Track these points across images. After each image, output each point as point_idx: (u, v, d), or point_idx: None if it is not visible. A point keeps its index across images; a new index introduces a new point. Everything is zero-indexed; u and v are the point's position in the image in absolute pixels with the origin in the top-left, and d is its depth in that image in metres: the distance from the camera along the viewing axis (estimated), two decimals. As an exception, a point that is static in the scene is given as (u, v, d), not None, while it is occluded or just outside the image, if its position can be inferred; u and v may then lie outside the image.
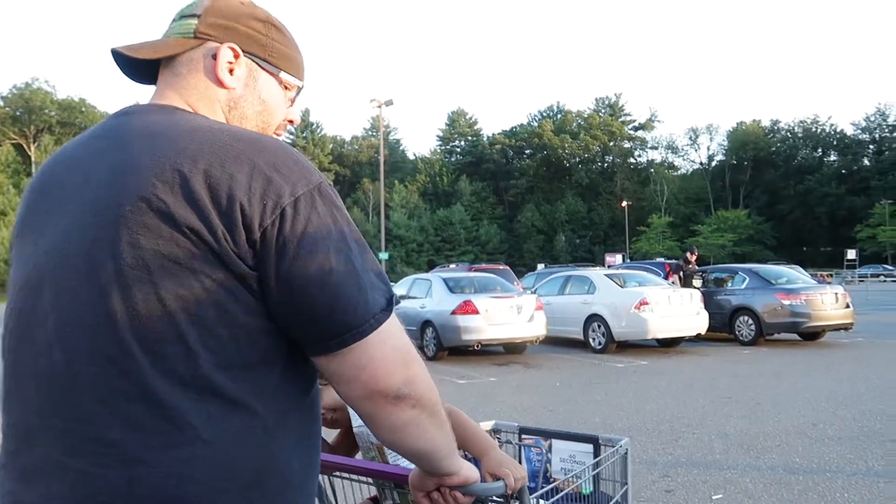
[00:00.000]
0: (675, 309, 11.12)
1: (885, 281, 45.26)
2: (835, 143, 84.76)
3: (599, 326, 11.46)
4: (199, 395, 0.86)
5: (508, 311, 10.48)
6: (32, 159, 75.32)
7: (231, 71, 1.04)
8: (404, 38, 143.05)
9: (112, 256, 0.86)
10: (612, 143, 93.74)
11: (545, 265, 35.95)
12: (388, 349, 0.91)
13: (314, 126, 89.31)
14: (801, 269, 22.96)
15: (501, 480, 1.29)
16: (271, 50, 1.07)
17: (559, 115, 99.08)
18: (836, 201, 76.96)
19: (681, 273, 13.35)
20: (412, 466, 1.21)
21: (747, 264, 15.65)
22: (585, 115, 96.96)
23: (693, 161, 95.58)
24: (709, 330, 11.81)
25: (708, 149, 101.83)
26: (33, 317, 0.91)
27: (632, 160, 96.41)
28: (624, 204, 74.83)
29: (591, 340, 11.64)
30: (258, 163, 0.89)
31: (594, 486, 1.73)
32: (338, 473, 1.48)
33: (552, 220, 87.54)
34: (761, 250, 71.01)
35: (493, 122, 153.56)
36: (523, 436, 1.84)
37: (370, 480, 1.50)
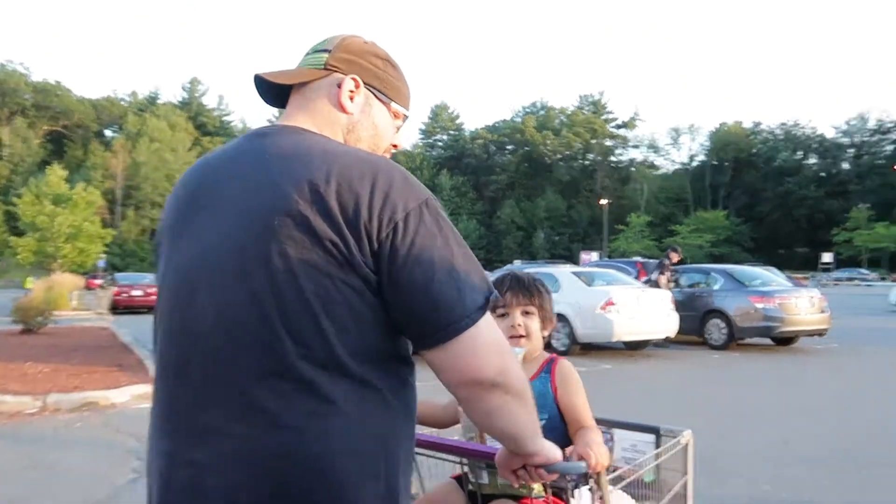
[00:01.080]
0: (644, 310, 10.43)
1: (859, 285, 45.31)
2: (815, 146, 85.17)
3: (564, 327, 10.75)
4: (336, 376, 1.01)
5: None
6: (5, 142, 73.34)
7: (352, 99, 1.19)
8: (389, 30, 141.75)
9: (263, 263, 1.01)
10: (593, 141, 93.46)
11: (521, 261, 35.60)
12: (482, 343, 1.03)
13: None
14: (776, 271, 22.56)
15: (584, 461, 1.39)
16: (386, 83, 1.23)
17: (542, 112, 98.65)
18: (815, 204, 77.34)
19: (662, 273, 12.60)
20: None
21: (721, 265, 15.10)
22: (568, 112, 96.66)
23: (674, 161, 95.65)
24: (679, 333, 11.18)
25: (689, 149, 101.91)
26: (193, 306, 1.06)
27: (613, 158, 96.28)
28: (603, 202, 74.59)
29: (553, 341, 10.93)
30: (378, 182, 1.03)
31: (656, 475, 1.78)
32: (422, 451, 1.56)
33: (532, 216, 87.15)
34: (738, 252, 71.14)
35: (476, 116, 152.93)
36: None
37: (457, 459, 1.58)
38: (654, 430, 1.80)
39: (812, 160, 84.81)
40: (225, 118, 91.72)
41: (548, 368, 1.76)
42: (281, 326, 1.00)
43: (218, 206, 1.09)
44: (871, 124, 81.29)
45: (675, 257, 12.73)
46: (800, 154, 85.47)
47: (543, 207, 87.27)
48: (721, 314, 11.42)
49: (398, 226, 1.01)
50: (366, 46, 1.24)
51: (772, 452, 5.05)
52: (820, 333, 11.47)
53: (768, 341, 11.84)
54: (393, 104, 1.25)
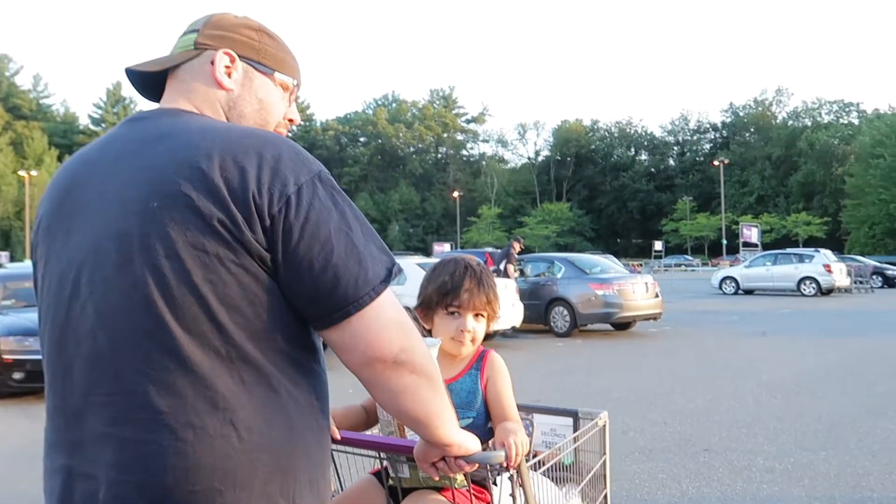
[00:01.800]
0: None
1: (686, 270, 49.41)
2: (645, 143, 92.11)
3: (410, 320, 10.32)
4: (234, 364, 0.95)
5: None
6: None
7: (229, 74, 1.13)
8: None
9: (143, 249, 0.94)
10: (445, 135, 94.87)
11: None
12: (385, 319, 0.98)
13: (126, 101, 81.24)
14: (614, 259, 23.77)
15: (504, 450, 1.37)
16: (264, 53, 1.16)
17: (394, 105, 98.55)
18: (646, 197, 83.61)
19: (510, 262, 12.50)
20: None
21: (563, 253, 15.45)
22: (420, 106, 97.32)
23: (521, 155, 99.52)
24: (526, 321, 11.15)
25: (535, 144, 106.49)
26: (73, 307, 1.00)
27: (464, 152, 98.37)
28: (455, 195, 75.86)
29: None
30: (265, 156, 0.97)
31: (575, 457, 1.82)
32: (341, 448, 1.55)
33: (386, 209, 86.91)
34: (581, 241, 75.34)
35: (327, 107, 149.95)
36: None
37: (376, 455, 1.56)
38: (571, 413, 1.82)
39: (643, 156, 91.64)
40: (44, 100, 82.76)
41: (477, 365, 1.68)
42: (168, 314, 0.93)
43: (94, 199, 1.02)
44: (692, 124, 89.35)
45: (517, 247, 12.75)
46: (632, 151, 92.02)
47: (397, 200, 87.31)
48: (564, 302, 11.55)
49: (290, 199, 0.95)
50: (236, 20, 1.17)
51: (614, 445, 4.85)
52: (654, 318, 11.94)
53: (608, 327, 12.16)
54: (277, 74, 1.17)
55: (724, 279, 22.98)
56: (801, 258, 21.52)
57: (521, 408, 1.81)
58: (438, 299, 1.66)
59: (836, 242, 59.80)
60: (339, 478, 1.72)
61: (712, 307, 17.50)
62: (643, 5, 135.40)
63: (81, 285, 0.99)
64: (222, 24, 1.15)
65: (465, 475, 1.40)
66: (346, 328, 0.97)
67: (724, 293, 22.49)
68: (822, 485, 3.98)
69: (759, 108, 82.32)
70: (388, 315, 0.98)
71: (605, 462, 1.83)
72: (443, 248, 35.94)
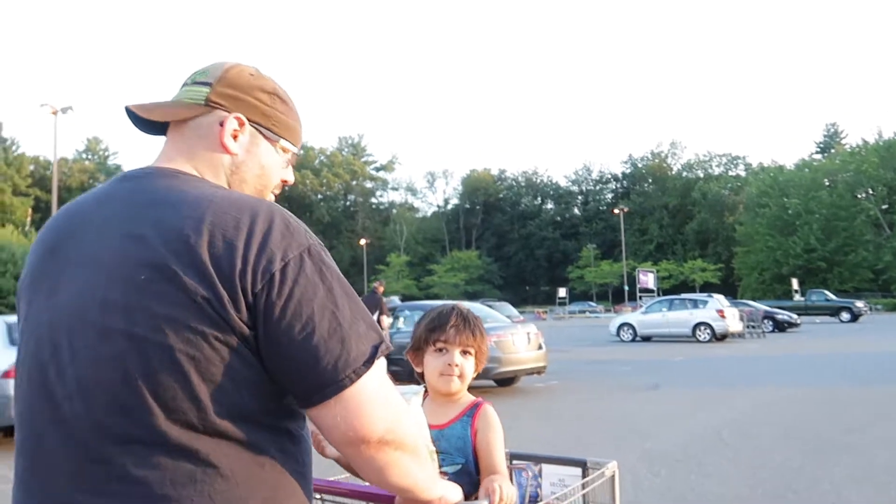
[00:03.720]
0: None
1: (589, 317, 49.61)
2: (551, 192, 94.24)
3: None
4: (213, 439, 0.93)
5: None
6: None
7: (235, 138, 1.11)
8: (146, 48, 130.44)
9: (127, 320, 0.93)
10: (354, 182, 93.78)
11: None
12: (369, 398, 0.96)
13: (8, 142, 75.60)
14: (510, 307, 22.94)
15: (486, 499, 1.43)
16: (274, 120, 1.15)
17: (301, 151, 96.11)
18: (553, 244, 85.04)
19: (383, 313, 11.21)
20: None
21: (439, 302, 14.28)
22: (328, 153, 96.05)
23: (431, 203, 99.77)
24: (400, 380, 9.74)
25: (444, 192, 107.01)
26: (50, 369, 0.97)
27: (373, 200, 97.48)
28: (362, 242, 74.41)
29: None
30: (255, 231, 0.95)
31: None
32: (329, 498, 1.56)
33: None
34: (490, 289, 75.17)
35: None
36: (514, 461, 1.91)
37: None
38: (580, 463, 1.85)
39: (549, 205, 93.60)
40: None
41: (471, 413, 1.69)
42: (146, 390, 0.91)
43: (81, 261, 1.00)
44: (595, 175, 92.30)
45: (381, 290, 11.50)
46: (539, 199, 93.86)
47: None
48: (440, 356, 10.24)
49: (274, 277, 0.94)
50: (252, 80, 1.14)
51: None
52: (538, 372, 10.76)
53: (491, 383, 10.95)
54: (282, 142, 1.16)
55: (621, 326, 22.49)
56: (695, 304, 21.30)
57: (528, 458, 1.90)
58: (426, 336, 1.71)
59: (729, 288, 62.14)
60: None
61: (607, 356, 16.74)
62: (546, 59, 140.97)
63: (62, 349, 0.96)
64: (238, 84, 1.12)
65: None
66: (327, 409, 0.94)
67: (622, 340, 21.95)
68: None
69: (656, 160, 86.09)
70: (373, 395, 0.95)
71: None
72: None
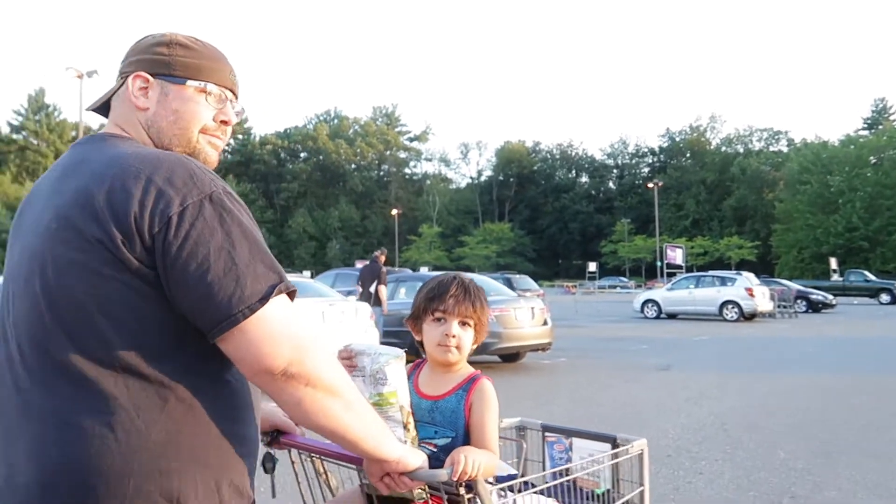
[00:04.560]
0: (335, 326, 8.42)
1: (619, 292, 48.68)
2: (586, 165, 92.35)
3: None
4: (117, 373, 1.03)
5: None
6: None
7: (146, 94, 1.23)
8: (172, 24, 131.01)
9: (41, 265, 1.07)
10: (387, 153, 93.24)
11: (311, 273, 34.28)
12: (269, 333, 1.03)
13: (50, 108, 76.92)
14: (530, 280, 22.38)
15: (450, 468, 1.34)
16: (175, 65, 1.23)
17: (336, 120, 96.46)
18: (587, 218, 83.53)
19: (381, 282, 10.72)
20: None
21: (440, 273, 13.80)
22: (362, 122, 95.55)
23: (464, 175, 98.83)
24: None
25: (478, 164, 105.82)
26: (7, 318, 1.14)
27: (407, 170, 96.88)
28: (395, 212, 74.06)
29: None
30: (154, 179, 1.06)
31: (612, 485, 1.82)
32: (315, 457, 1.59)
33: (325, 226, 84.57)
34: (522, 262, 74.35)
35: (266, 121, 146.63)
36: (546, 433, 1.94)
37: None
38: (610, 439, 1.84)
39: (584, 179, 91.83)
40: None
41: (466, 387, 1.65)
42: (55, 326, 1.04)
43: (29, 221, 1.16)
44: (631, 148, 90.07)
45: (383, 259, 11.04)
46: (573, 173, 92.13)
47: (337, 217, 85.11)
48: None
49: (171, 220, 1.03)
50: (152, 40, 1.25)
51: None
52: (543, 348, 10.25)
53: (496, 359, 10.51)
54: (189, 82, 1.23)
55: (645, 302, 21.78)
56: (722, 281, 20.45)
57: (560, 430, 1.92)
58: (425, 305, 1.68)
59: (766, 266, 60.39)
60: (329, 485, 1.70)
61: (626, 333, 16.14)
62: (585, 31, 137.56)
63: (9, 298, 1.13)
64: (138, 49, 1.25)
65: (424, 488, 1.40)
66: (228, 342, 1.03)
67: (647, 317, 21.26)
68: None
69: (694, 134, 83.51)
70: (272, 329, 1.03)
71: (642, 493, 1.79)
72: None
